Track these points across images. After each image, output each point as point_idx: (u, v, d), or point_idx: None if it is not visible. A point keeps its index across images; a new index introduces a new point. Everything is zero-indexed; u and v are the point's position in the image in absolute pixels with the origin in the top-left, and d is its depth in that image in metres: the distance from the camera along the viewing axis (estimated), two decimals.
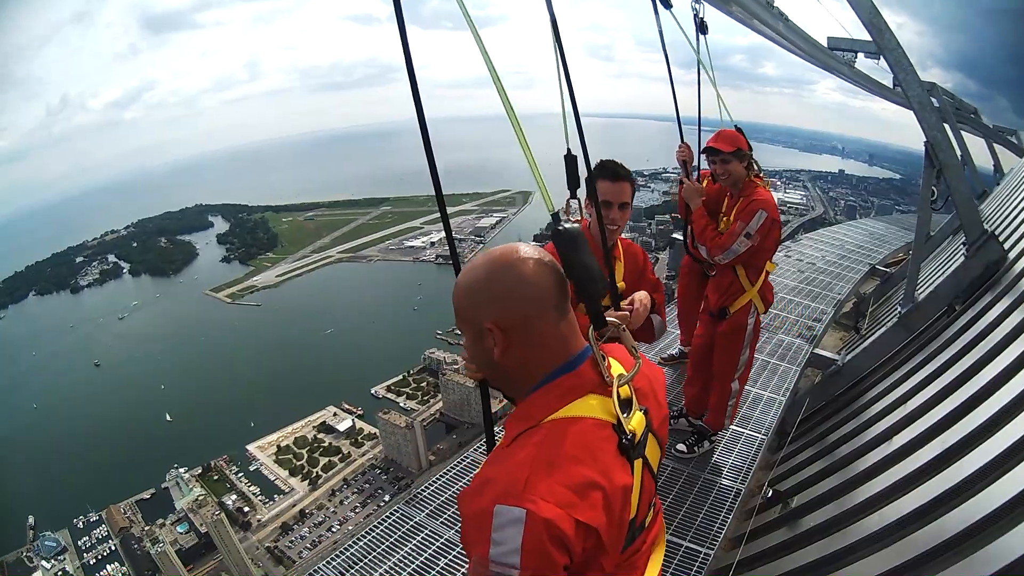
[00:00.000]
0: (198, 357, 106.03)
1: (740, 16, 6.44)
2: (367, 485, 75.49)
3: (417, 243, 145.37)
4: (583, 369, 1.67)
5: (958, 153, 6.69)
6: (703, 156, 5.00)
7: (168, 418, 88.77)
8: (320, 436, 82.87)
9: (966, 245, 6.55)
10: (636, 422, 1.67)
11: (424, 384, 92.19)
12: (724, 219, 4.96)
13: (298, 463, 78.69)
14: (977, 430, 4.13)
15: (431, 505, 5.02)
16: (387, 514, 4.88)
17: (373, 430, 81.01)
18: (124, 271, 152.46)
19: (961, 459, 4.06)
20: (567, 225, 1.87)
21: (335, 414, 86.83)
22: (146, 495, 75.29)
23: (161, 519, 70.69)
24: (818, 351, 8.13)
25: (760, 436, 6.05)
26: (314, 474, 76.79)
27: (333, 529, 68.41)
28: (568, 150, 3.07)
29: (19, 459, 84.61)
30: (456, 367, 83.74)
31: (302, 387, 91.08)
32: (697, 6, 5.26)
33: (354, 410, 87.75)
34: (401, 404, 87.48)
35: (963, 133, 15.38)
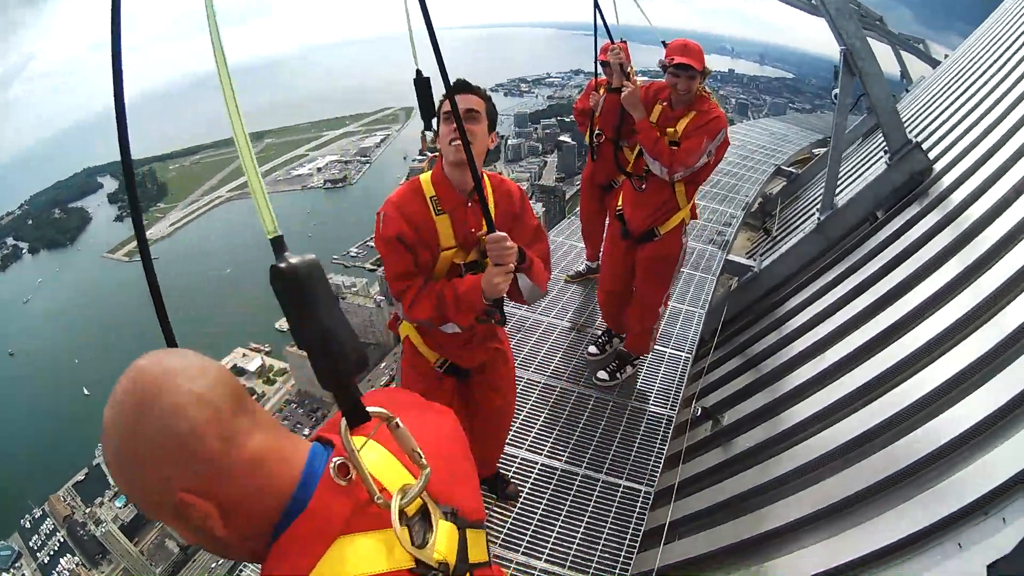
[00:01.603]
0: (106, 323, 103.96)
1: None
2: (285, 422, 75.21)
3: (303, 171, 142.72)
4: (317, 503, 1.11)
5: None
6: (669, 68, 4.44)
7: (86, 392, 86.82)
8: None
9: (888, 153, 6.55)
10: (444, 541, 1.20)
11: None
12: (668, 130, 4.56)
13: None
14: (916, 352, 4.14)
15: None
16: None
17: (283, 365, 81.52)
18: (23, 251, 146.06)
19: (897, 381, 4.08)
20: (293, 260, 1.17)
21: (244, 355, 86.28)
22: (80, 476, 73.68)
23: (100, 497, 69.59)
24: (731, 257, 8.04)
25: (683, 355, 5.96)
26: None
27: None
28: (418, 71, 2.91)
29: None
30: (355, 290, 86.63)
31: (210, 333, 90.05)
32: None
33: (262, 348, 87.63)
34: None
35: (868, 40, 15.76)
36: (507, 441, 4.66)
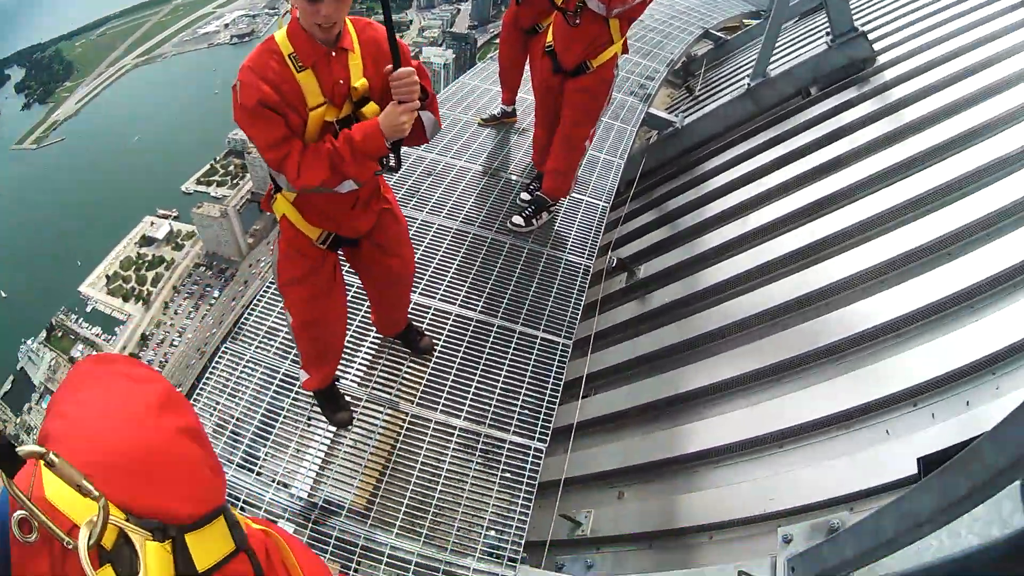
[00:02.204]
0: (17, 219, 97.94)
1: None
2: (195, 286, 76.30)
3: (210, 28, 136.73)
4: (15, 573, 0.98)
5: None
6: None
7: (3, 294, 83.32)
8: (143, 251, 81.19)
9: (831, 35, 6.49)
10: (154, 566, 1.04)
11: (231, 167, 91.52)
12: None
13: (128, 286, 77.16)
14: (846, 231, 4.17)
15: (258, 336, 4.51)
16: (218, 357, 4.38)
17: (191, 228, 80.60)
18: None
19: (824, 256, 4.14)
20: None
21: (152, 223, 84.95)
22: (7, 386, 72.01)
23: (28, 403, 68.41)
24: (652, 110, 7.86)
25: (601, 203, 5.86)
26: (145, 292, 75.82)
27: (175, 343, 69.53)
28: None
29: None
30: None
31: (117, 206, 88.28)
32: None
33: (169, 213, 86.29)
34: (212, 194, 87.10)
35: None
36: (420, 291, 4.69)
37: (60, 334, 75.12)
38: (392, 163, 2.74)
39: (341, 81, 2.68)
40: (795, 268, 4.21)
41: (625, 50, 4.78)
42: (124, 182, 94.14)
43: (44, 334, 75.10)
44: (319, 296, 3.27)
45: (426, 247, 5.17)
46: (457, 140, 6.61)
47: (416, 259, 4.67)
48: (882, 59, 6.38)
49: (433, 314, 4.61)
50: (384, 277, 3.58)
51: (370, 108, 2.76)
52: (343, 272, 3.46)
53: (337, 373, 4.03)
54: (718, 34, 12.59)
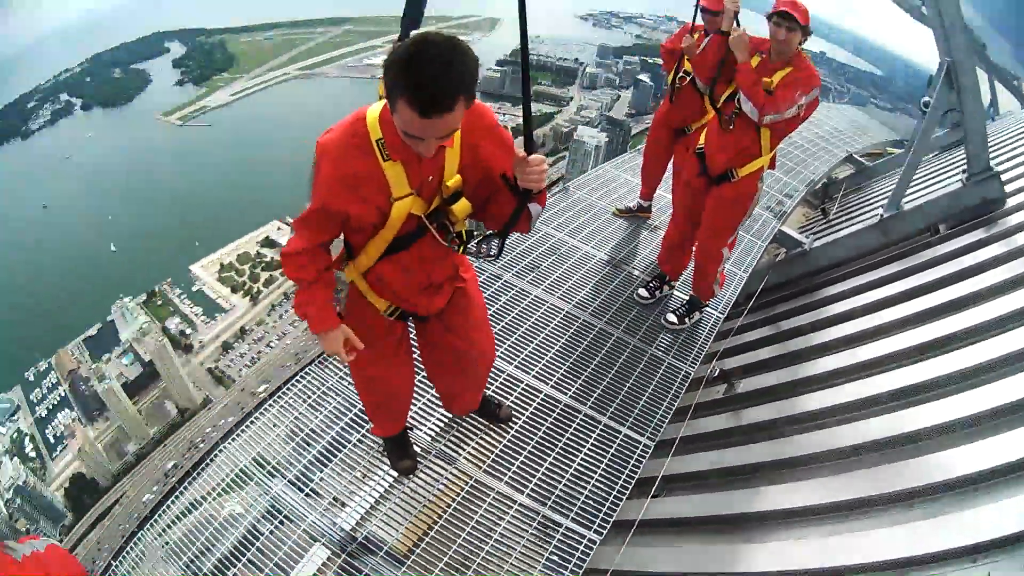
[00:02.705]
0: (147, 184, 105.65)
1: None
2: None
3: (376, 61, 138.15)
4: None
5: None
6: (772, 17, 4.53)
7: (113, 248, 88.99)
8: (263, 251, 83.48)
9: (967, 173, 6.52)
10: None
11: None
12: (763, 80, 4.63)
13: (240, 280, 79.40)
14: (958, 374, 4.07)
15: (343, 367, 4.66)
16: (304, 373, 4.61)
17: None
18: (76, 107, 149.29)
19: (930, 397, 4.03)
20: None
21: (279, 228, 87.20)
22: (92, 332, 75.38)
23: (107, 354, 71.27)
24: (785, 228, 8.04)
25: (716, 314, 5.94)
26: (255, 290, 77.59)
27: (272, 345, 70.35)
28: None
29: None
30: None
31: (248, 204, 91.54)
32: None
33: None
34: None
35: None
36: (516, 365, 4.78)
37: (159, 302, 78.16)
38: (493, 252, 2.66)
39: (432, 177, 2.56)
40: (897, 406, 4.14)
41: (772, 165, 4.93)
42: (259, 182, 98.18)
43: (144, 296, 78.24)
44: (381, 360, 3.26)
45: (532, 323, 5.33)
46: (588, 225, 6.85)
47: (520, 333, 5.12)
48: (1011, 202, 6.41)
49: (524, 388, 4.71)
50: (448, 358, 3.45)
51: (461, 206, 2.63)
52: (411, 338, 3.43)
53: (411, 422, 4.12)
54: (861, 159, 12.69)
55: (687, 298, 5.80)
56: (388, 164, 2.44)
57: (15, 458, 62.48)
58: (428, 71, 1.95)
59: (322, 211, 2.51)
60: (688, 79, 5.86)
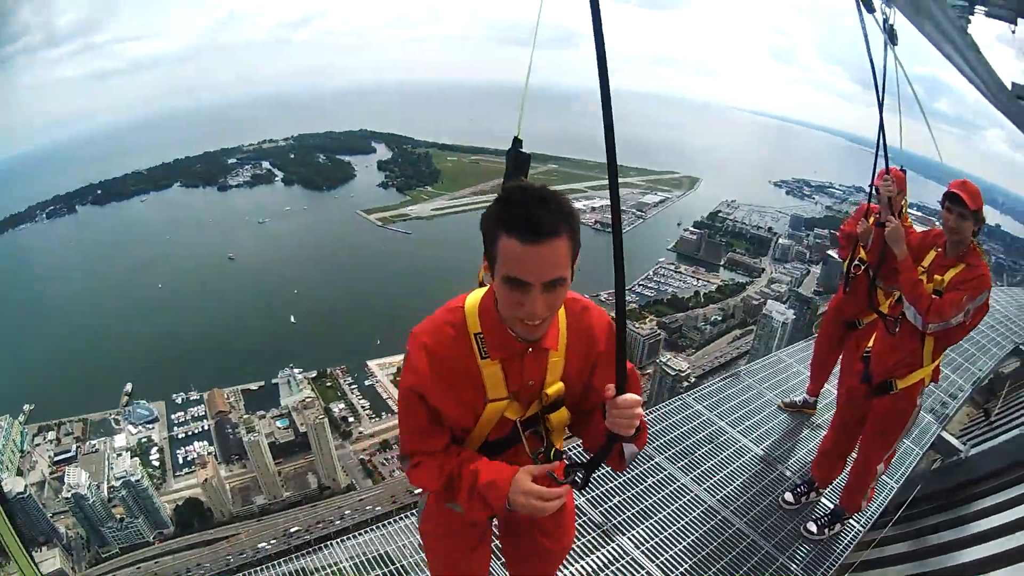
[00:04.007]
0: (335, 270, 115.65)
1: (930, 33, 5.08)
2: None
3: (578, 205, 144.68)
4: None
5: None
6: (943, 203, 4.45)
7: (292, 320, 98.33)
8: None
9: None
10: None
11: None
12: (935, 278, 4.55)
13: None
14: None
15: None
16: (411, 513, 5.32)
17: None
18: (277, 179, 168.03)
19: None
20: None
21: None
22: (254, 386, 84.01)
23: (263, 411, 78.94)
24: (944, 434, 7.62)
25: (857, 527, 5.70)
26: None
27: None
28: (516, 140, 2.87)
29: (131, 330, 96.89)
30: None
31: (414, 315, 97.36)
32: (888, 10, 4.39)
33: None
34: None
35: None
36: (643, 551, 5.08)
37: (328, 384, 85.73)
38: (579, 480, 2.31)
39: (532, 382, 2.44)
40: None
41: (935, 378, 4.79)
42: (431, 293, 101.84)
43: (314, 373, 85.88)
44: (460, 553, 3.13)
45: (671, 512, 5.53)
46: (751, 416, 7.07)
47: (656, 520, 5.39)
48: None
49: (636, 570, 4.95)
50: (529, 550, 3.27)
51: (559, 416, 2.53)
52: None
53: None
54: None
55: (832, 507, 5.68)
56: (486, 363, 2.36)
57: (135, 457, 70.69)
58: (529, 201, 1.99)
59: (411, 392, 2.41)
60: (863, 268, 5.77)
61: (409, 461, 2.53)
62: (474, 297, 2.44)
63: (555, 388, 2.46)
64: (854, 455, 5.45)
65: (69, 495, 62.11)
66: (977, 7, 4.22)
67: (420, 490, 2.98)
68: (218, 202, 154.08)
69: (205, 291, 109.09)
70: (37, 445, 75.90)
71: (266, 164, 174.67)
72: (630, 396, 2.08)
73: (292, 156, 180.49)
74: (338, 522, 64.39)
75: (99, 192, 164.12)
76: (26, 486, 62.68)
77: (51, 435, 77.74)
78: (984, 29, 4.25)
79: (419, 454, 2.50)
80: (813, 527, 5.49)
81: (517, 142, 2.84)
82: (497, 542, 3.50)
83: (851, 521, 5.68)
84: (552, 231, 1.97)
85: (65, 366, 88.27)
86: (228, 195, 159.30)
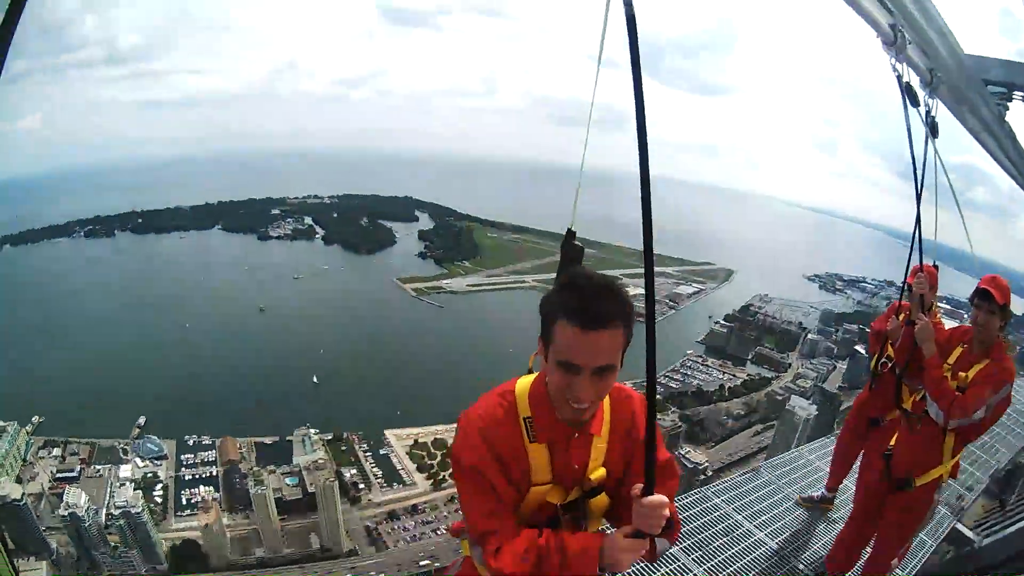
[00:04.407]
0: (364, 335, 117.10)
1: (970, 124, 5.19)
2: None
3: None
4: None
5: None
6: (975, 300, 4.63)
7: (315, 380, 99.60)
8: None
9: None
10: None
11: None
12: (960, 375, 4.67)
13: (429, 462, 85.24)
14: None
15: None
16: None
17: None
18: (318, 236, 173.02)
19: None
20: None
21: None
22: (267, 440, 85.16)
23: (273, 466, 79.76)
24: (959, 526, 7.63)
25: None
26: (441, 476, 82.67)
27: (439, 532, 73.98)
28: (569, 233, 2.99)
29: (153, 363, 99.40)
30: None
31: (459, 394, 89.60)
32: (931, 102, 4.31)
33: None
34: None
35: None
36: None
37: (343, 448, 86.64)
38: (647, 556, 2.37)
39: (576, 466, 2.54)
40: None
41: (954, 474, 4.93)
42: (473, 378, 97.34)
43: (330, 436, 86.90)
44: None
45: None
46: (769, 511, 7.16)
47: None
48: None
49: None
50: None
51: (599, 501, 2.62)
52: None
53: None
54: None
55: None
56: (533, 446, 2.47)
57: (139, 490, 71.52)
58: (588, 288, 2.17)
59: (472, 471, 2.45)
60: (889, 365, 5.80)
61: (486, 547, 2.49)
62: (524, 382, 2.56)
63: (597, 474, 2.56)
64: (868, 548, 5.61)
65: (66, 513, 63.40)
66: (1016, 93, 4.54)
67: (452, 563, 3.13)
68: (256, 251, 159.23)
69: (232, 338, 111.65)
70: (41, 458, 77.67)
71: (309, 220, 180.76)
72: (656, 498, 2.12)
73: (335, 215, 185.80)
74: None
75: (139, 221, 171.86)
76: (23, 494, 64.02)
77: (56, 451, 79.63)
78: (1020, 116, 4.57)
79: (496, 536, 2.47)
80: None
81: (571, 234, 3.00)
82: None
83: None
84: (609, 321, 2.13)
85: (81, 384, 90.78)
86: (267, 245, 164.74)
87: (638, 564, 5.39)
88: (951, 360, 4.72)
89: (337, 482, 74.93)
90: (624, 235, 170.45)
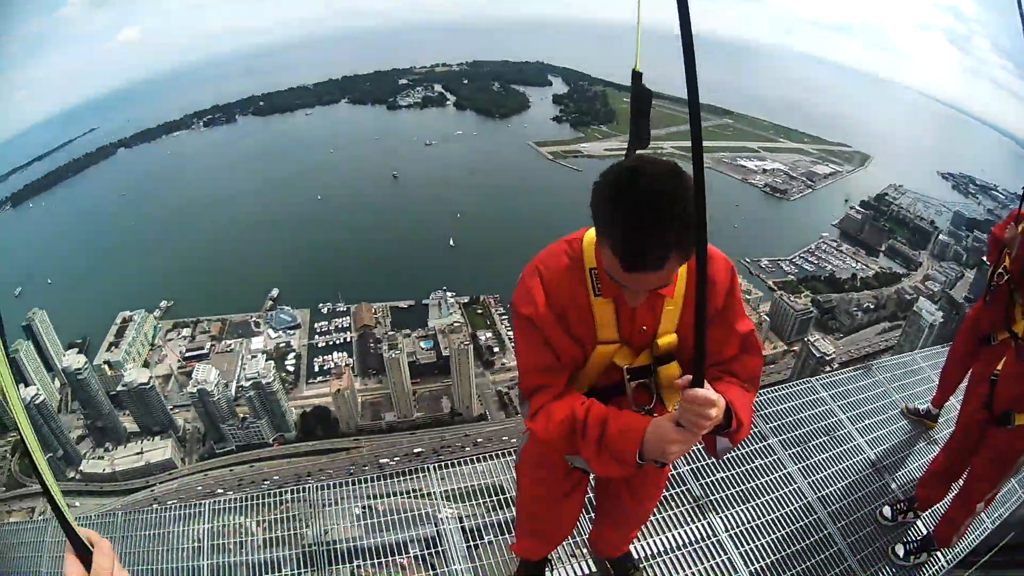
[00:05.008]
0: (501, 199, 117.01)
1: None
2: None
3: (750, 164, 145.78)
4: None
5: None
6: None
7: (452, 243, 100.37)
8: None
9: None
10: None
11: None
12: None
13: None
14: None
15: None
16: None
17: None
18: (449, 102, 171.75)
19: None
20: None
21: None
22: (403, 304, 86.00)
23: (408, 330, 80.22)
24: None
25: (943, 562, 5.37)
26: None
27: None
28: (635, 73, 2.71)
29: (285, 237, 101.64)
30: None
31: None
32: None
33: None
34: None
35: None
36: (731, 534, 5.10)
37: (479, 311, 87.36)
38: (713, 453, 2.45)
39: (645, 328, 2.34)
40: None
41: None
42: None
43: (467, 299, 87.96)
44: (554, 497, 3.11)
45: (768, 500, 5.49)
46: (873, 415, 6.78)
47: (750, 506, 5.36)
48: None
49: (723, 560, 4.94)
50: (615, 509, 3.45)
51: (670, 369, 2.39)
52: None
53: (551, 559, 4.48)
54: None
55: (925, 533, 5.48)
56: (598, 300, 2.29)
57: (270, 361, 73.17)
58: (638, 217, 1.82)
59: (529, 322, 2.30)
60: (1005, 278, 5.26)
61: (529, 406, 2.40)
62: (591, 233, 2.31)
63: (668, 339, 2.36)
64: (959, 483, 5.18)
65: (194, 390, 65.61)
66: None
67: (523, 432, 3.02)
68: (386, 121, 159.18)
69: (365, 207, 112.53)
70: (170, 340, 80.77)
71: (438, 87, 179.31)
72: (702, 393, 1.89)
73: (465, 82, 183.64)
74: (467, 449, 64.96)
75: (261, 103, 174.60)
76: (151, 378, 66.84)
77: (186, 332, 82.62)
78: None
79: (544, 392, 2.36)
80: (901, 550, 5.32)
81: (637, 75, 2.65)
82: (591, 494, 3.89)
83: (938, 554, 5.39)
84: (658, 264, 1.88)
85: (212, 267, 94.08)
86: (397, 115, 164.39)
87: (748, 445, 5.78)
88: None
89: (472, 345, 74.35)
90: (764, 108, 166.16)
